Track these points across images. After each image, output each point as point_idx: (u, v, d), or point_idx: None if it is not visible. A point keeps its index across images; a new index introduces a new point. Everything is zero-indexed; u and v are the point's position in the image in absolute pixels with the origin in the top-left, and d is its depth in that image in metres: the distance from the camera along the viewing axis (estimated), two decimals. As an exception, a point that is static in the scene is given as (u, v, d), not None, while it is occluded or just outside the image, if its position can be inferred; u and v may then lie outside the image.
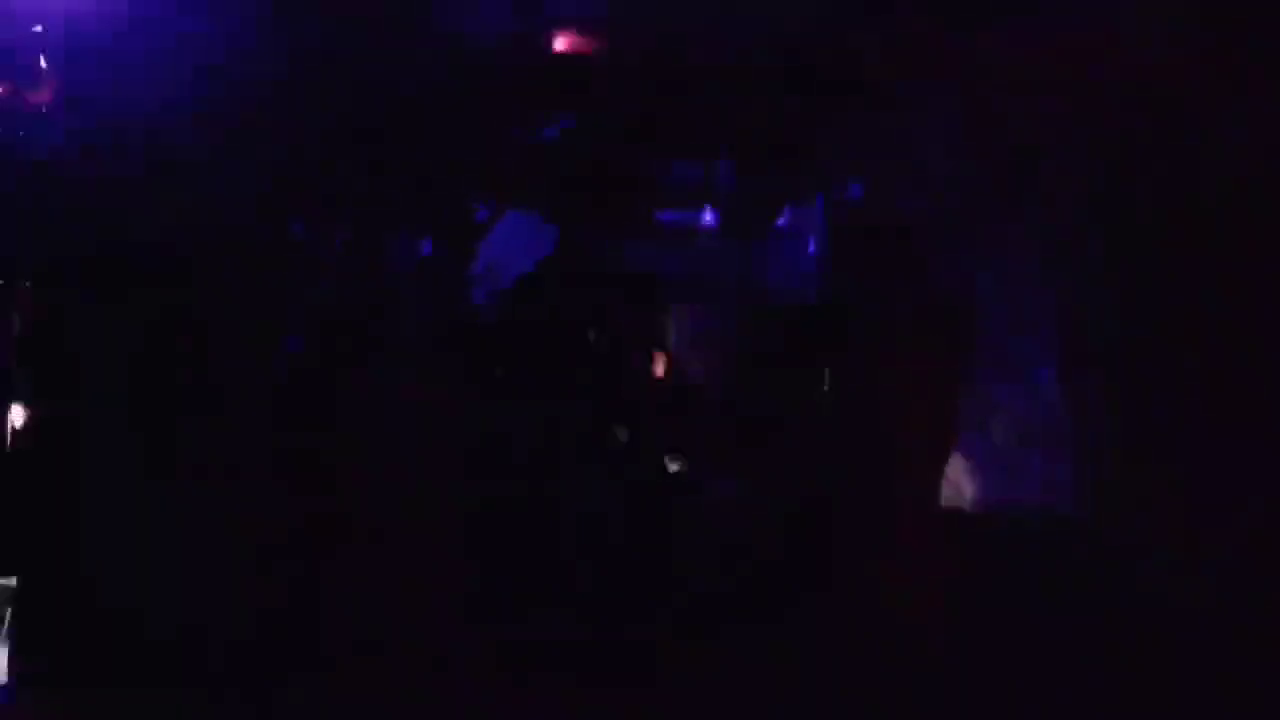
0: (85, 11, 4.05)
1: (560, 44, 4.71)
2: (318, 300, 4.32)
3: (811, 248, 4.98)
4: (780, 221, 4.95)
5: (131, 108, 4.03)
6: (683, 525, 4.07)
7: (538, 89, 4.71)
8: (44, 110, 4.21)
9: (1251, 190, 4.31)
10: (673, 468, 4.29)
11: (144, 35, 4.04)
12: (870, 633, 3.63)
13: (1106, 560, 4.12)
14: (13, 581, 3.96)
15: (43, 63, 4.21)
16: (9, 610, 3.92)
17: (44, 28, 4.13)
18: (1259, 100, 4.25)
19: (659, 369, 4.66)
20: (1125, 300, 4.63)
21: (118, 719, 3.73)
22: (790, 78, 4.72)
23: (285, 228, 4.35)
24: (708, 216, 5.16)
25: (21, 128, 4.19)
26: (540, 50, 4.65)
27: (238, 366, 4.08)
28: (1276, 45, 4.24)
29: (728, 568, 3.92)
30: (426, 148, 4.53)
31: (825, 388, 4.24)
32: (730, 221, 5.06)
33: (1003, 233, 4.90)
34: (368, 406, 4.09)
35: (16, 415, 4.07)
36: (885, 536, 3.84)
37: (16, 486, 3.99)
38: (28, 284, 4.08)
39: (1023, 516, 4.67)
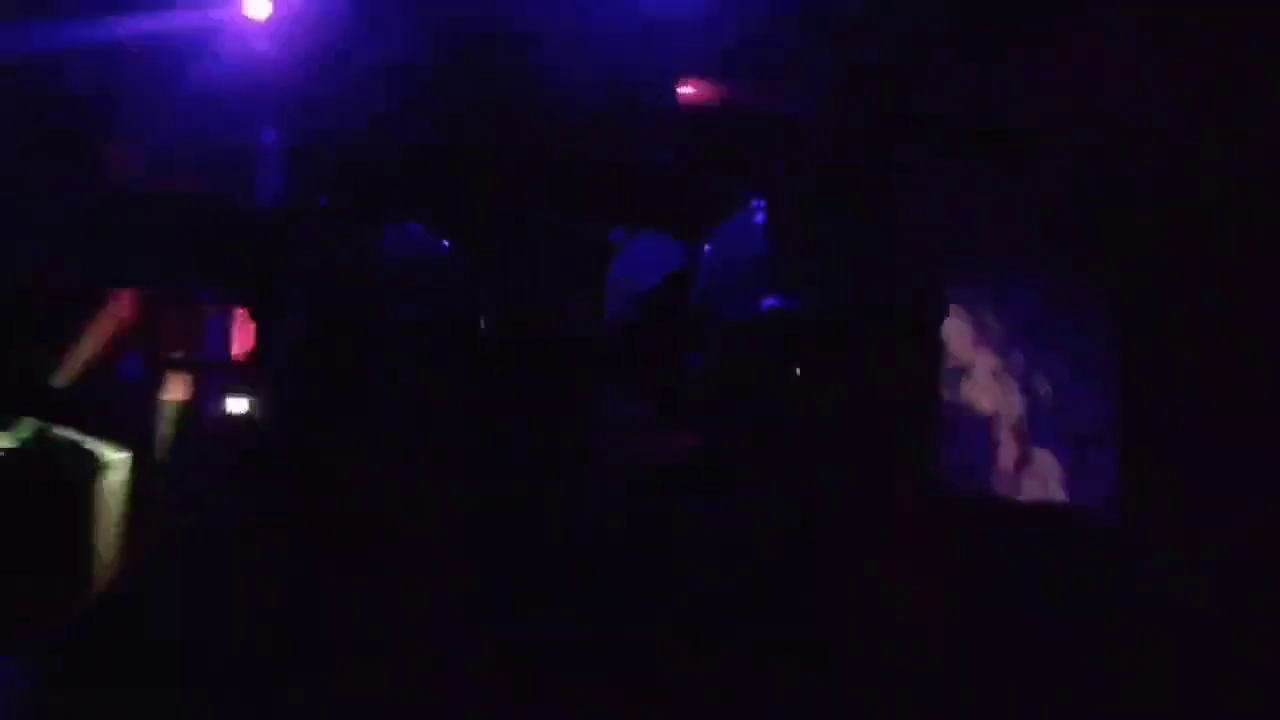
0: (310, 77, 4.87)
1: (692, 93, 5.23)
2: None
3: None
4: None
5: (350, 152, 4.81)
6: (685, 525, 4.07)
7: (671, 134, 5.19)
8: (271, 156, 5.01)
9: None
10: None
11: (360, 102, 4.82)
12: (869, 632, 3.62)
13: (1107, 558, 4.10)
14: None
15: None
16: None
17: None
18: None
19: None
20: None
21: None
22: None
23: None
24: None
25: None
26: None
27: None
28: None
29: (729, 567, 3.91)
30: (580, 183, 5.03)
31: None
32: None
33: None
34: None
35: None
36: (880, 535, 3.84)
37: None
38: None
39: (1024, 514, 4.66)
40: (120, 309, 4.44)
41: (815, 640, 3.65)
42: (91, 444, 4.25)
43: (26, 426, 4.17)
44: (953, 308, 4.91)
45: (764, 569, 3.87)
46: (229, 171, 4.94)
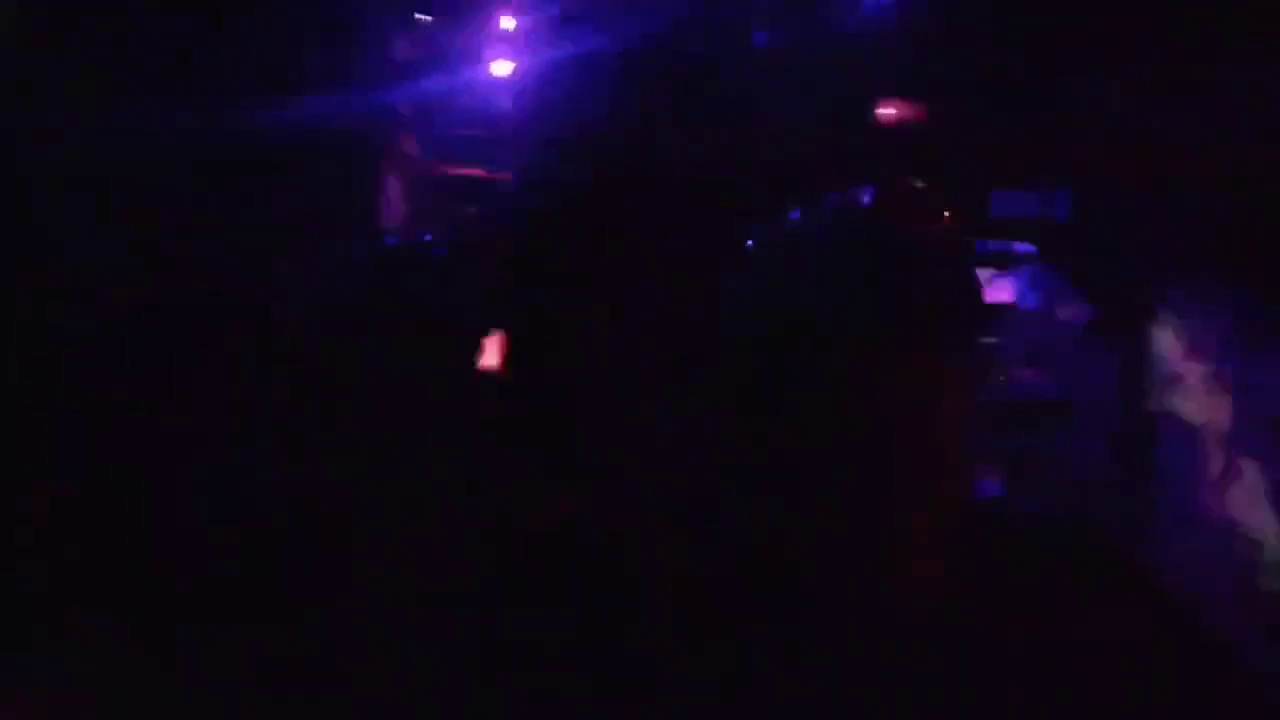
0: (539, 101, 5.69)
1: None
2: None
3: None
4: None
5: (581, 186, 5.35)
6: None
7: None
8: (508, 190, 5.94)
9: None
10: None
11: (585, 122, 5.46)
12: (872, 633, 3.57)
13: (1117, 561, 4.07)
14: None
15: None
16: None
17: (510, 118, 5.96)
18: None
19: None
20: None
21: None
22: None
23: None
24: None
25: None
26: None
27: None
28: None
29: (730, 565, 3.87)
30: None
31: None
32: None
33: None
34: None
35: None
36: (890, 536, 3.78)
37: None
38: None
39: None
40: None
41: (820, 642, 3.60)
42: None
43: None
44: (1163, 314, 4.93)
45: (772, 568, 3.82)
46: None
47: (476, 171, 6.32)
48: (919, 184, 5.03)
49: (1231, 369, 4.94)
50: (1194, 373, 5.03)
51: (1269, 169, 4.82)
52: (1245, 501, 4.78)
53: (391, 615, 3.88)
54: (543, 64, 5.78)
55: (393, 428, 4.17)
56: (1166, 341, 5.05)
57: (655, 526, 3.98)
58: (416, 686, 3.74)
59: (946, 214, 4.83)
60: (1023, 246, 6.19)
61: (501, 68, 6.03)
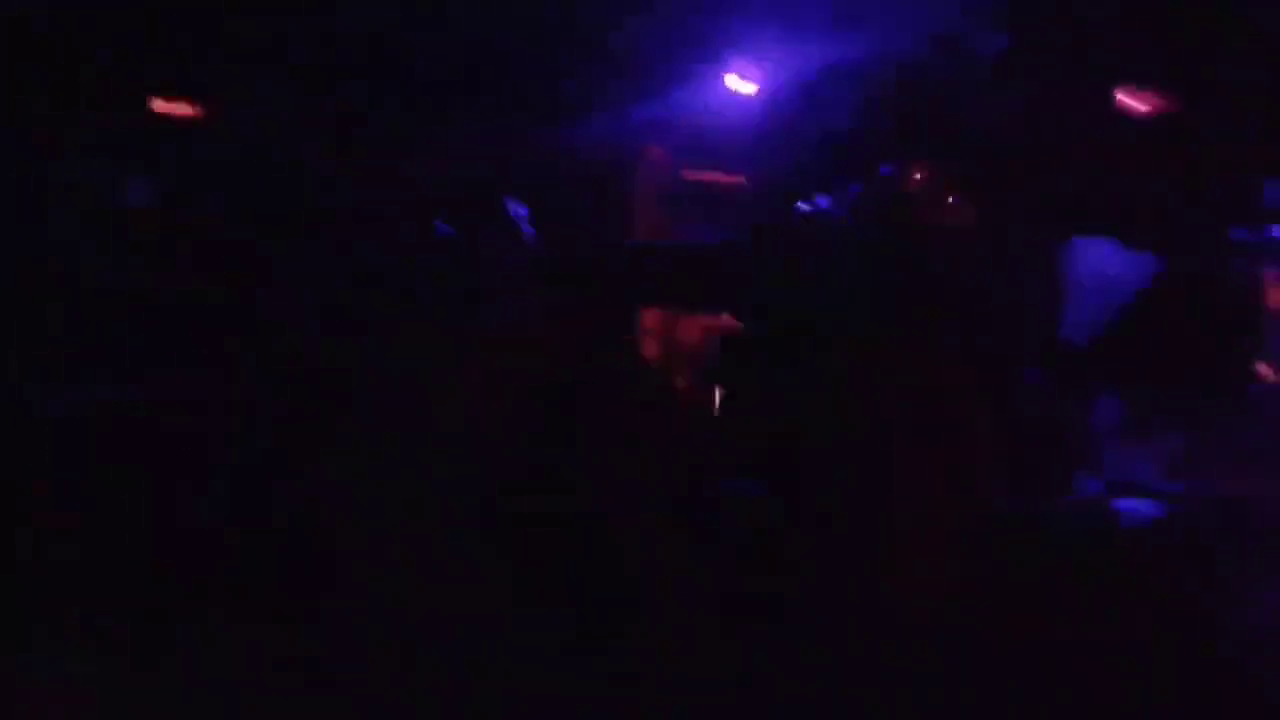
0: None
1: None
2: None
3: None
4: None
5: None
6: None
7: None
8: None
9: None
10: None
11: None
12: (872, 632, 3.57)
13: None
14: None
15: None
16: None
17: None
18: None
19: None
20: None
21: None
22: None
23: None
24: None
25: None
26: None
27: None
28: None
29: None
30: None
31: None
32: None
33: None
34: None
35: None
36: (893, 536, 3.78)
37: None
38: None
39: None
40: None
41: (820, 642, 3.60)
42: None
43: None
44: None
45: (772, 568, 3.82)
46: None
47: (719, 177, 6.79)
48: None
49: None
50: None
51: None
52: None
53: (392, 615, 3.87)
54: (787, 79, 6.21)
55: (394, 429, 4.16)
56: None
57: (655, 526, 3.97)
58: (416, 686, 3.74)
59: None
60: (1284, 232, 6.04)
61: (739, 83, 6.42)
